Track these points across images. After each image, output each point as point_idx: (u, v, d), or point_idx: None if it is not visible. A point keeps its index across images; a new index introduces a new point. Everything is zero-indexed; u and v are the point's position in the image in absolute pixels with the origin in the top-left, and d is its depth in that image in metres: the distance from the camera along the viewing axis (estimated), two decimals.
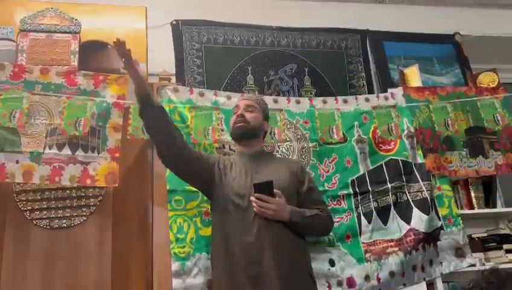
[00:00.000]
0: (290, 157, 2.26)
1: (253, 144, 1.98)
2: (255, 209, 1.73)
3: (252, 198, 1.74)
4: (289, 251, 1.74)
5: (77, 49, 2.18)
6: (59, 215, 1.99)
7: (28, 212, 1.97)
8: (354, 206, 2.24)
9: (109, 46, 2.29)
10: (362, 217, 2.23)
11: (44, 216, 1.97)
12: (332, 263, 2.08)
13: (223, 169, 1.89)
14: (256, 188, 1.74)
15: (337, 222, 2.14)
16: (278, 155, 2.24)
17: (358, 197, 2.26)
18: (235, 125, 1.96)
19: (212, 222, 1.91)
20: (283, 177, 1.86)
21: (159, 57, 2.47)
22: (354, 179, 2.29)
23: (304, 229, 1.83)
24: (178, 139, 1.83)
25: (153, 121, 1.79)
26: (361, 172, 2.32)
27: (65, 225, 1.98)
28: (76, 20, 2.22)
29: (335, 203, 2.21)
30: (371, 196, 2.27)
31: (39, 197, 1.99)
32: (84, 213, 2.02)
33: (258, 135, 2.00)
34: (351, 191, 2.26)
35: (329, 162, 2.31)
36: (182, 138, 1.87)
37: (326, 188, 2.23)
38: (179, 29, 2.76)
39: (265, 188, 1.74)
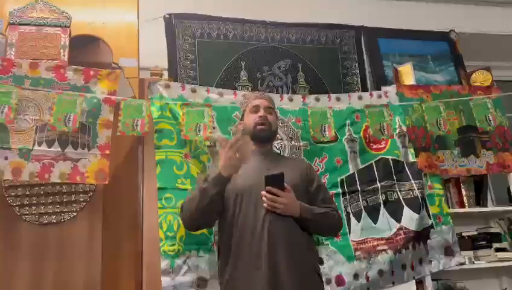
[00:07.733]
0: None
1: (267, 145, 1.95)
2: (265, 204, 1.68)
3: (263, 192, 1.70)
4: (302, 251, 1.71)
5: (67, 44, 2.14)
6: (48, 211, 1.97)
7: (17, 207, 1.95)
8: (343, 206, 2.24)
9: (100, 40, 2.27)
10: (351, 217, 2.24)
11: (33, 212, 1.96)
12: (320, 261, 2.08)
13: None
14: (267, 181, 1.69)
15: None
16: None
17: (347, 196, 2.27)
18: (257, 127, 1.88)
19: (220, 226, 1.83)
20: (294, 175, 1.82)
21: (151, 52, 2.43)
22: (343, 179, 2.30)
23: (313, 227, 1.78)
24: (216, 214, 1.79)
25: (214, 206, 1.74)
26: (351, 171, 2.32)
27: (54, 221, 1.97)
28: (66, 13, 2.17)
29: None
30: (360, 195, 2.28)
31: (28, 193, 1.98)
32: (74, 209, 2.00)
33: (275, 138, 2.04)
34: (339, 190, 2.27)
35: (320, 162, 2.31)
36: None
37: None
38: (171, 23, 2.72)
39: (276, 181, 1.68)
